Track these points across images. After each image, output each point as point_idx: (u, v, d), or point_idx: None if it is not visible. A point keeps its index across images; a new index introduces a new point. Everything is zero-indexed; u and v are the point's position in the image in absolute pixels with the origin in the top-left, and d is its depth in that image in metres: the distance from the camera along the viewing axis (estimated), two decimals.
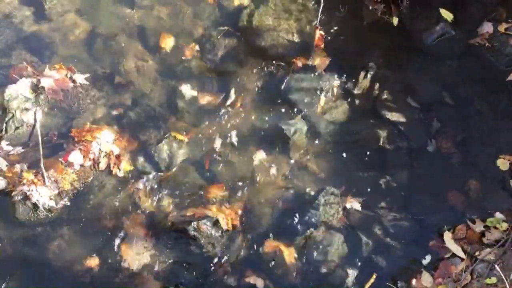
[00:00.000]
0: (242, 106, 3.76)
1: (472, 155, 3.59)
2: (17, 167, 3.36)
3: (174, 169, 3.56)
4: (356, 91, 3.80)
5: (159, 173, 3.54)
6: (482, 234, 3.26)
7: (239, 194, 3.50)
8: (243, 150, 3.63)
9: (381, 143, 3.64)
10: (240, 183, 3.53)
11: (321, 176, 3.58)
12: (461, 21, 3.84)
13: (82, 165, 3.43)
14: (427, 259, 3.28)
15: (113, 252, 3.31)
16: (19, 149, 3.47)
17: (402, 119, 3.70)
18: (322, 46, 3.89)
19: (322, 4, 3.81)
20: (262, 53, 3.89)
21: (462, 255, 3.19)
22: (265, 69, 3.86)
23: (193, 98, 3.75)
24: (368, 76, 3.82)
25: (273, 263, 3.31)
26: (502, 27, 3.80)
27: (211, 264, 3.29)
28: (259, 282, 3.24)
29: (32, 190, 3.27)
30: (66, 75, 3.66)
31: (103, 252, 3.32)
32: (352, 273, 3.27)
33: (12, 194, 3.30)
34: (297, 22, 3.91)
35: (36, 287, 3.22)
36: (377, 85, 3.82)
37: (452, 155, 3.60)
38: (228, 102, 3.76)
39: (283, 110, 3.76)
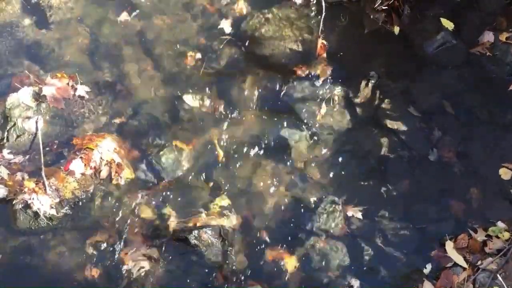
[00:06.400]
0: (243, 115, 3.76)
1: (473, 164, 3.59)
2: (18, 176, 3.36)
3: (175, 178, 3.56)
4: (357, 100, 3.81)
5: (160, 181, 3.54)
6: (484, 243, 3.25)
7: (241, 202, 3.50)
8: (245, 158, 3.63)
9: (382, 152, 3.65)
10: (242, 192, 3.53)
11: (322, 185, 3.58)
12: (462, 30, 3.85)
13: (83, 174, 3.43)
14: (428, 268, 3.27)
15: (113, 261, 3.31)
16: (20, 158, 3.47)
17: (403, 128, 3.70)
18: (324, 55, 3.89)
19: (323, 13, 3.82)
20: (263, 62, 3.90)
21: (464, 264, 3.18)
22: (267, 77, 3.86)
23: (194, 106, 3.76)
24: (369, 84, 3.83)
25: (274, 272, 3.30)
26: (503, 36, 3.81)
27: (212, 273, 3.29)
28: None
29: (33, 199, 3.26)
30: (68, 84, 3.67)
31: (104, 260, 3.31)
32: (354, 282, 3.26)
33: (13, 203, 3.29)
34: (298, 31, 3.92)
35: None
36: (378, 94, 3.82)
37: (454, 164, 3.60)
38: (229, 111, 3.78)
39: (284, 118, 3.76)
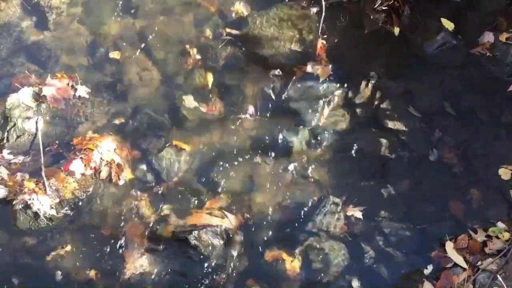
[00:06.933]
0: (243, 115, 3.76)
1: (473, 165, 3.58)
2: (18, 176, 3.36)
3: (175, 178, 3.56)
4: (357, 100, 3.81)
5: (160, 182, 3.54)
6: (484, 243, 3.24)
7: (241, 203, 3.49)
8: (245, 158, 3.63)
9: (382, 152, 3.64)
10: (242, 192, 3.52)
11: (322, 185, 3.57)
12: (462, 31, 3.84)
13: (83, 174, 3.43)
14: (428, 269, 3.27)
15: (113, 261, 3.31)
16: (20, 158, 3.48)
17: (404, 128, 3.70)
18: (324, 55, 3.89)
19: (323, 13, 3.82)
20: (263, 62, 3.89)
21: (464, 265, 3.18)
22: (267, 78, 3.86)
23: (194, 107, 3.76)
24: (369, 85, 3.83)
25: (274, 272, 3.30)
26: (503, 37, 3.79)
27: (212, 273, 3.29)
28: None
29: (33, 199, 3.26)
30: (68, 84, 3.67)
31: (104, 261, 3.32)
32: (354, 283, 3.26)
33: (13, 203, 3.30)
34: (298, 31, 3.91)
35: None
36: (378, 94, 3.82)
37: (454, 164, 3.60)
38: (229, 111, 3.78)
39: (284, 118, 3.76)
